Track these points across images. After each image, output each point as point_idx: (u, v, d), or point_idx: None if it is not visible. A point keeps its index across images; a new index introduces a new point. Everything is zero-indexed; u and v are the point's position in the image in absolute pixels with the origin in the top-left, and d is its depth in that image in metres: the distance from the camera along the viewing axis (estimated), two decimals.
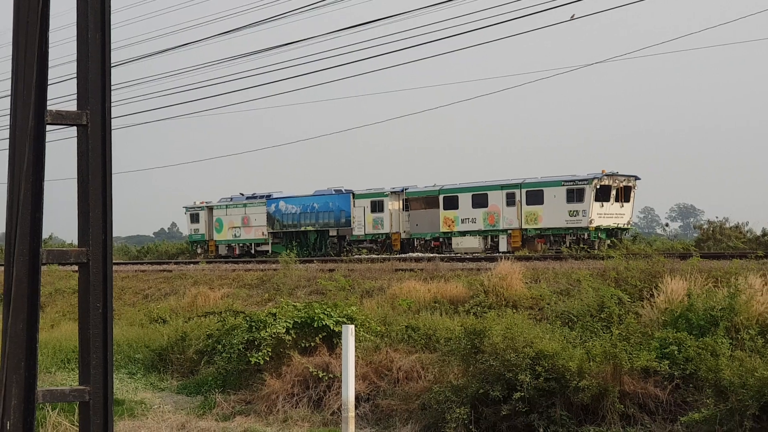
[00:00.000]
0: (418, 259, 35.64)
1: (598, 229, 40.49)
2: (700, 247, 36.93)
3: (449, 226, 44.92)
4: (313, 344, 20.13)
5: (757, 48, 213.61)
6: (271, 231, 52.71)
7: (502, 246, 42.52)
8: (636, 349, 16.12)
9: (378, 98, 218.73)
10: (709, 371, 14.93)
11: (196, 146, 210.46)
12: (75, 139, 3.34)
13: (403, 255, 42.45)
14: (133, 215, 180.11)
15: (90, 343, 2.80)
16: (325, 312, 20.39)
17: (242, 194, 56.53)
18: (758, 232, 43.44)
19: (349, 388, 15.73)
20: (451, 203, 44.94)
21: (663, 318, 17.70)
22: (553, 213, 41.24)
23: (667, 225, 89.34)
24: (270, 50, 26.70)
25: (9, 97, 3.31)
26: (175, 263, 45.70)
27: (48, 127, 3.23)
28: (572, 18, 21.92)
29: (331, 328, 19.96)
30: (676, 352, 15.81)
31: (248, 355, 20.13)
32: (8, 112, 3.32)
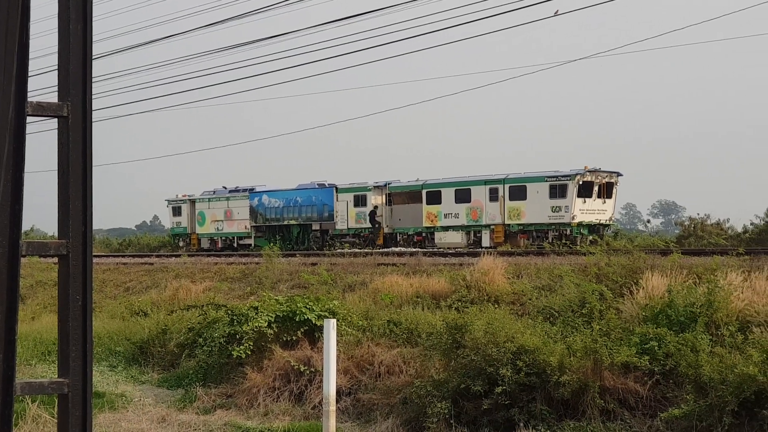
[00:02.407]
0: (400, 254, 35.66)
1: (580, 224, 40.61)
2: (682, 244, 37.10)
3: (432, 221, 44.96)
4: (294, 338, 20.12)
5: (744, 44, 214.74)
6: (254, 224, 52.62)
7: (485, 241, 42.58)
8: (616, 345, 16.17)
9: (362, 92, 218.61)
10: (689, 367, 14.98)
11: (179, 139, 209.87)
12: (56, 131, 3.32)
13: (385, 249, 42.49)
14: (115, 208, 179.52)
15: (69, 335, 2.78)
16: (307, 306, 20.39)
17: (225, 188, 56.37)
18: (739, 229, 43.71)
19: (331, 382, 15.73)
20: (434, 198, 44.97)
21: (643, 314, 17.77)
22: (536, 208, 41.33)
23: (648, 221, 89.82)
24: (253, 43, 26.65)
25: None
26: (157, 256, 45.56)
27: (28, 119, 3.22)
28: (556, 14, 21.99)
29: (313, 322, 19.96)
30: (656, 348, 15.87)
31: (230, 348, 20.10)
32: None
